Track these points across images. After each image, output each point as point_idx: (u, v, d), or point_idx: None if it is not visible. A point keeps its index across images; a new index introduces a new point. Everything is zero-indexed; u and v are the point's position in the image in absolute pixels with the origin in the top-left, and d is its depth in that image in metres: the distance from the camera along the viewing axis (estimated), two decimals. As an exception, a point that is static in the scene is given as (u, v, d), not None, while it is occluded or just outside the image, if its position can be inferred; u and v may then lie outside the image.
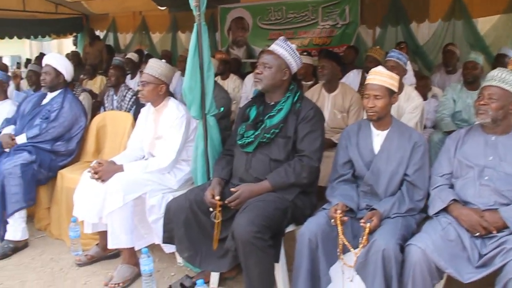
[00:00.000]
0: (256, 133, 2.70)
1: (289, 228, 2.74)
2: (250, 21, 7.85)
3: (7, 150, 3.95)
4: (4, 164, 3.72)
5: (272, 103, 2.80)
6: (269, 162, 2.70)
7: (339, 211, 2.40)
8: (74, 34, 10.22)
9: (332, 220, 2.43)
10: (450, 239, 2.30)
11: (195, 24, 2.83)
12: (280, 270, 2.68)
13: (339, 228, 2.38)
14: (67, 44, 13.63)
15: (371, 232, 2.39)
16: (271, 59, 2.74)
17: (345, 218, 2.41)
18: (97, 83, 6.94)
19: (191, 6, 2.80)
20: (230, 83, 5.62)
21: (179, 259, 3.33)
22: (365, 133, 2.76)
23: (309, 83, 5.06)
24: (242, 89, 5.57)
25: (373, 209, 2.51)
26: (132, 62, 6.24)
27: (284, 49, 2.76)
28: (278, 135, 2.69)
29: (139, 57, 6.52)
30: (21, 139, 3.96)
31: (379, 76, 2.60)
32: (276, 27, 7.60)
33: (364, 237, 2.37)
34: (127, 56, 6.38)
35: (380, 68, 2.67)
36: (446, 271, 2.21)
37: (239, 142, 2.76)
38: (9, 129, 4.16)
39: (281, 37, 2.84)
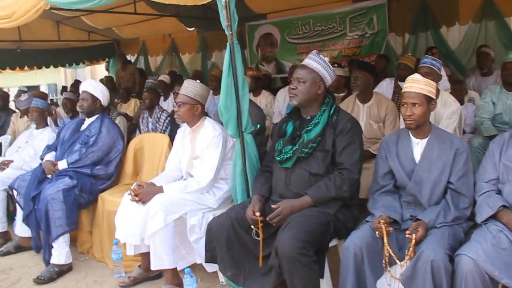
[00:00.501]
0: (294, 148, 2.69)
1: (332, 243, 2.71)
2: (278, 36, 7.89)
3: (49, 176, 4.05)
4: (48, 189, 3.82)
5: (308, 117, 2.79)
6: (308, 176, 2.68)
7: (383, 222, 2.36)
8: (107, 59, 10.47)
9: (377, 232, 2.39)
10: (502, 247, 2.22)
11: (227, 44, 2.85)
12: (325, 286, 2.64)
13: (385, 239, 2.33)
14: (100, 69, 13.99)
15: (417, 243, 2.33)
16: (305, 73, 2.74)
17: (390, 229, 2.37)
18: (131, 106, 7.08)
19: (223, 26, 2.82)
20: (263, 99, 5.63)
21: (222, 278, 3.32)
22: (404, 142, 2.71)
23: (342, 94, 5.02)
24: (274, 105, 5.58)
25: (418, 219, 2.45)
26: (165, 84, 6.34)
27: (317, 63, 2.76)
28: (316, 149, 2.68)
29: (171, 79, 6.61)
30: (62, 164, 4.06)
31: (416, 84, 2.56)
32: (304, 41, 7.61)
33: (411, 249, 2.31)
34: (159, 78, 6.48)
35: (416, 76, 2.63)
36: (501, 281, 2.13)
37: (278, 158, 2.75)
38: (51, 156, 4.27)
39: (314, 51, 2.84)
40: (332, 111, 2.75)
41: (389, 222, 2.43)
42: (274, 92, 6.01)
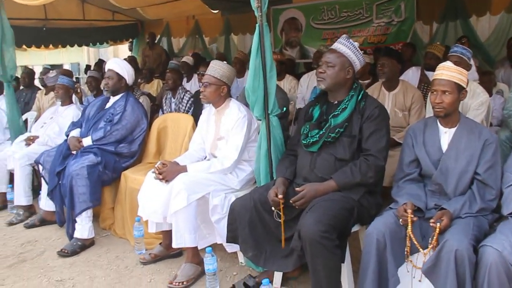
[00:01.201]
0: (321, 133, 2.68)
1: (354, 228, 2.71)
2: (303, 21, 7.81)
3: (74, 152, 4.12)
4: (72, 165, 3.88)
5: (336, 102, 2.77)
6: (334, 161, 2.67)
7: (409, 210, 2.35)
8: (130, 40, 10.51)
9: (401, 220, 2.38)
10: (529, 240, 2.19)
11: (256, 25, 2.84)
12: (345, 271, 2.65)
13: (409, 227, 2.32)
14: (123, 50, 14.06)
15: (441, 232, 2.31)
16: (334, 57, 2.72)
17: (415, 218, 2.35)
18: (154, 87, 7.12)
19: (253, 7, 2.80)
20: (286, 84, 5.61)
21: (241, 259, 3.35)
22: (432, 131, 2.68)
23: (366, 82, 4.98)
24: (298, 90, 5.55)
25: (443, 208, 2.43)
26: (188, 65, 6.35)
27: (347, 47, 2.73)
28: (343, 134, 2.66)
29: (194, 61, 6.61)
30: (87, 141, 4.12)
31: (447, 71, 2.52)
32: (329, 27, 7.54)
33: (434, 238, 2.30)
34: (183, 60, 6.49)
35: (448, 63, 2.59)
36: (527, 274, 2.10)
37: (304, 142, 2.75)
38: (76, 132, 4.33)
39: (344, 35, 2.81)
40: (360, 97, 2.73)
41: (413, 210, 2.42)
42: (297, 77, 5.98)
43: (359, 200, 2.62)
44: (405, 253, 2.37)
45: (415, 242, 2.32)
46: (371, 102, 2.73)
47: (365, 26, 7.19)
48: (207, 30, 9.50)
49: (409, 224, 2.33)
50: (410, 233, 2.32)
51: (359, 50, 2.78)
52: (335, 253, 2.39)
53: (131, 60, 8.47)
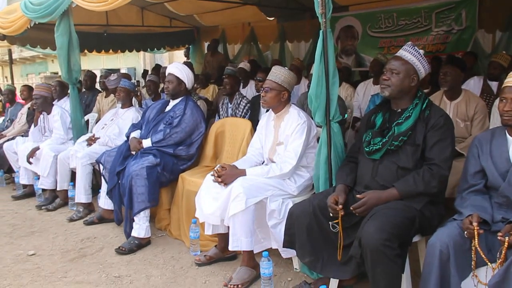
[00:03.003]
0: (384, 140, 2.65)
1: (415, 239, 2.64)
2: (360, 29, 7.74)
3: (133, 152, 4.24)
4: (132, 166, 4.00)
5: (399, 110, 2.74)
6: (396, 169, 2.64)
7: (475, 223, 2.27)
8: (186, 45, 10.74)
9: (466, 232, 2.30)
10: None
11: (320, 31, 2.84)
12: (405, 281, 2.59)
13: (475, 240, 2.24)
14: (177, 55, 14.40)
15: (510, 247, 2.22)
16: (399, 65, 2.68)
17: (481, 231, 2.27)
18: (209, 92, 7.25)
19: (317, 13, 2.81)
20: (343, 92, 5.57)
21: (296, 265, 3.34)
22: (499, 141, 2.58)
23: (426, 91, 4.86)
24: (354, 98, 5.50)
25: (511, 222, 2.34)
26: (245, 71, 6.42)
27: (412, 55, 2.69)
28: (406, 143, 2.62)
29: (251, 67, 6.68)
30: (146, 143, 4.24)
31: (519, 79, 2.43)
32: (386, 35, 7.43)
33: (503, 253, 2.21)
34: (239, 66, 6.57)
35: (521, 71, 2.49)
36: None
37: (366, 149, 2.72)
38: (136, 134, 4.46)
39: (409, 43, 2.78)
40: (424, 105, 2.68)
41: (479, 222, 2.34)
42: (353, 85, 5.93)
43: (421, 209, 2.56)
44: (471, 266, 2.29)
45: (483, 256, 2.23)
46: (436, 111, 2.68)
47: (424, 35, 7.03)
48: (262, 37, 9.56)
49: (476, 236, 2.25)
50: (477, 246, 2.24)
51: (424, 58, 2.73)
52: (396, 262, 2.34)
53: (187, 66, 8.68)
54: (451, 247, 2.29)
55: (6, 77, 23.62)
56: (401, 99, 2.72)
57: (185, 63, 9.29)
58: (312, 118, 3.28)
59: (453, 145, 2.66)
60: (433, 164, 2.57)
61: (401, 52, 2.74)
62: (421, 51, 2.75)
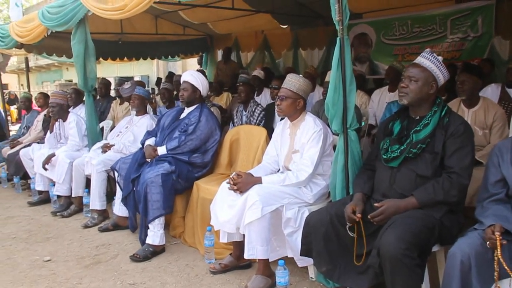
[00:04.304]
0: (402, 148, 2.63)
1: (434, 248, 2.61)
2: (374, 36, 7.71)
3: (148, 160, 4.25)
4: (147, 173, 4.00)
5: (418, 117, 2.71)
6: (415, 178, 2.61)
7: (497, 233, 2.23)
8: (200, 53, 10.79)
9: (488, 242, 2.26)
10: None
11: (337, 39, 2.83)
12: (424, 292, 2.55)
13: (498, 251, 2.20)
14: (190, 63, 14.49)
15: (535, 258, 2.18)
16: (417, 72, 2.66)
17: (504, 241, 2.23)
18: (223, 99, 7.26)
19: (334, 21, 2.80)
20: (358, 99, 5.51)
21: (312, 274, 3.31)
22: (520, 149, 2.54)
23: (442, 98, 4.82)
24: (369, 105, 5.48)
25: (533, 232, 2.30)
26: (259, 79, 6.42)
27: (430, 62, 2.67)
28: (425, 150, 2.59)
29: (265, 74, 6.68)
30: (161, 150, 4.25)
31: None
32: (401, 42, 7.38)
33: (527, 264, 2.17)
34: (253, 74, 6.58)
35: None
36: None
37: (384, 157, 2.70)
38: (151, 141, 4.48)
39: (427, 49, 2.75)
40: (443, 113, 2.65)
41: (502, 232, 2.29)
42: (367, 92, 5.90)
43: (441, 218, 2.53)
44: (494, 278, 2.25)
45: (506, 267, 2.19)
46: (455, 118, 2.65)
47: (438, 42, 6.97)
48: (276, 45, 9.56)
49: (498, 247, 2.21)
50: (500, 257, 2.20)
51: (443, 65, 2.70)
52: (415, 272, 2.31)
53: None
54: (472, 258, 2.25)
55: (22, 85, 23.96)
56: (420, 106, 2.70)
57: (198, 70, 9.38)
58: (328, 126, 3.27)
59: (473, 153, 2.63)
60: (453, 172, 2.54)
61: (420, 59, 2.72)
62: (440, 58, 2.72)
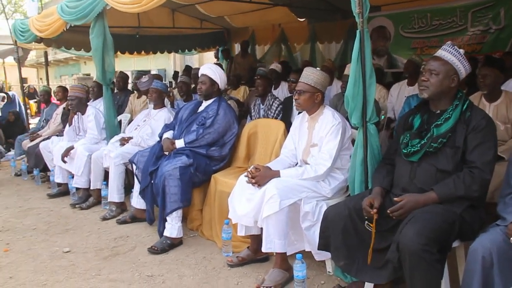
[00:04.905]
0: (423, 142, 2.59)
1: (454, 244, 2.57)
2: (392, 29, 7.61)
3: (166, 153, 4.27)
4: (165, 166, 4.02)
5: (438, 111, 2.66)
6: (435, 172, 2.57)
7: (520, 228, 2.20)
8: (217, 47, 10.79)
9: (511, 238, 2.22)
10: None
11: (357, 31, 2.81)
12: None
13: (521, 247, 2.17)
14: (207, 57, 14.50)
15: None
16: (438, 65, 2.61)
17: (527, 237, 2.20)
18: (240, 93, 7.25)
19: (354, 13, 2.78)
20: (376, 93, 5.45)
21: (329, 268, 3.30)
22: (544, 144, 2.50)
23: (462, 92, 4.75)
24: (388, 99, 5.42)
25: (558, 229, 2.25)
26: (276, 73, 6.39)
27: (452, 55, 2.62)
28: (446, 145, 2.55)
29: (282, 68, 6.65)
30: (179, 143, 4.26)
31: None
32: (420, 35, 7.27)
33: (550, 260, 2.13)
34: (271, 67, 6.56)
35: None
36: None
37: (404, 151, 2.66)
38: (169, 134, 4.49)
39: (448, 42, 2.71)
40: (465, 107, 2.60)
41: (524, 228, 2.26)
42: (386, 86, 5.83)
43: (462, 214, 2.49)
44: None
45: (528, 264, 2.16)
46: (477, 112, 2.60)
47: (459, 35, 6.84)
48: (293, 38, 9.53)
49: (520, 243, 2.18)
50: (522, 253, 2.17)
51: (465, 58, 2.65)
52: (435, 268, 2.28)
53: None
54: (494, 254, 2.22)
55: (41, 79, 24.27)
56: (440, 100, 2.65)
57: (215, 64, 9.39)
58: (346, 119, 3.24)
59: (496, 148, 2.58)
60: (475, 167, 2.49)
61: (441, 52, 2.67)
62: (462, 51, 2.68)
